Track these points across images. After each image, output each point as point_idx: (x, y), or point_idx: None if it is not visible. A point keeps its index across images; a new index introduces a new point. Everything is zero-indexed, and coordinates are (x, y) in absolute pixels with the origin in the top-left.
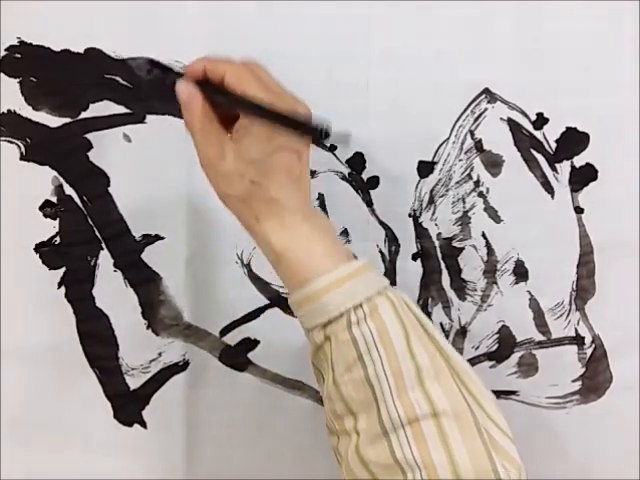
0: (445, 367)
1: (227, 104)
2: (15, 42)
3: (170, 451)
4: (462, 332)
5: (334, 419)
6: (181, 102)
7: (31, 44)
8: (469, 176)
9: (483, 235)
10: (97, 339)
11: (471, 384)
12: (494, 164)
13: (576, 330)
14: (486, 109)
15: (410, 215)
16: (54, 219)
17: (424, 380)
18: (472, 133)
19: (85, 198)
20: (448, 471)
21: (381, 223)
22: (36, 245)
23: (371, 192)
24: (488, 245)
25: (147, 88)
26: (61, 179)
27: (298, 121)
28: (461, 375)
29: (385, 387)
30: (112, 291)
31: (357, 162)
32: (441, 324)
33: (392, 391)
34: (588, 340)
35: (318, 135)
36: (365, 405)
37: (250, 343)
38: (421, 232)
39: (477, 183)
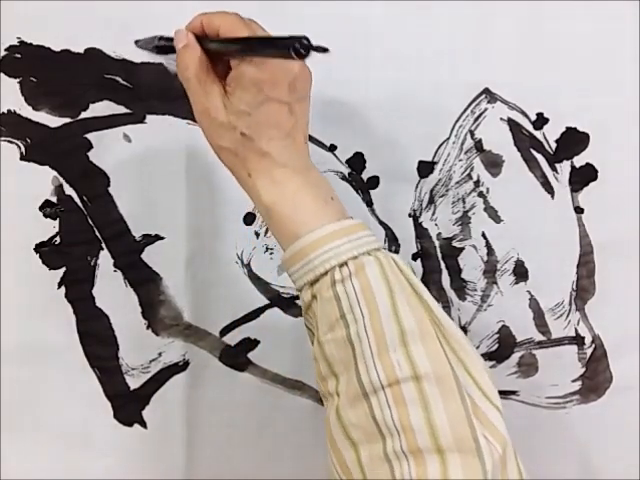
0: (432, 330)
1: (221, 49)
2: (15, 42)
3: (170, 451)
4: (462, 332)
5: (320, 381)
6: (178, 50)
7: (31, 44)
8: (469, 176)
9: (483, 235)
10: (97, 339)
11: (461, 351)
12: (494, 164)
13: (576, 330)
14: (486, 109)
15: (410, 215)
16: (54, 219)
17: (408, 342)
18: (472, 133)
19: (85, 198)
20: (426, 436)
21: (381, 223)
22: (36, 245)
23: (371, 192)
24: (488, 245)
25: (147, 88)
26: (61, 179)
27: (277, 38)
28: (450, 340)
29: (366, 347)
30: (112, 291)
31: (357, 162)
32: None
33: (373, 351)
34: (588, 340)
35: (298, 46)
36: (346, 365)
37: (250, 343)
38: (421, 232)
39: (477, 183)
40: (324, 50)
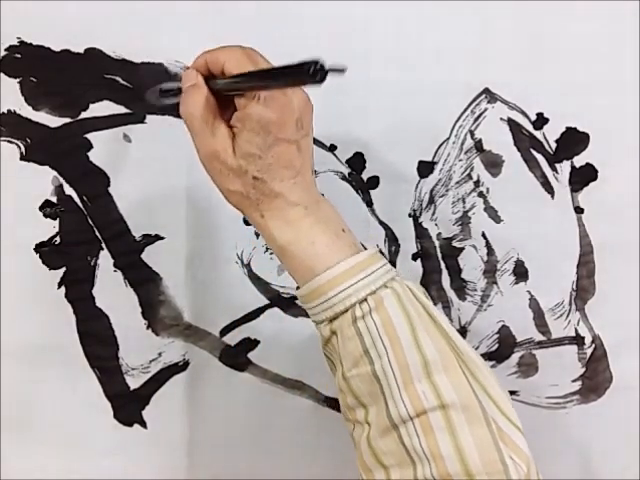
0: (453, 357)
1: (229, 87)
2: (15, 42)
3: (170, 451)
4: (462, 332)
5: (347, 410)
6: (185, 89)
7: (31, 44)
8: (469, 176)
9: (483, 235)
10: (97, 339)
11: (480, 375)
12: (494, 164)
13: (576, 330)
14: (486, 109)
15: (410, 215)
16: (54, 219)
17: (431, 372)
18: (472, 133)
19: (85, 198)
20: (456, 463)
21: (381, 223)
22: (36, 245)
23: (371, 192)
24: (488, 245)
25: (147, 88)
26: (61, 179)
27: (289, 66)
28: (470, 366)
29: (392, 380)
30: (112, 291)
31: (357, 162)
32: None
33: (399, 384)
34: (588, 340)
35: (312, 73)
36: (374, 398)
37: (250, 343)
38: (421, 232)
39: (477, 183)
40: (341, 71)
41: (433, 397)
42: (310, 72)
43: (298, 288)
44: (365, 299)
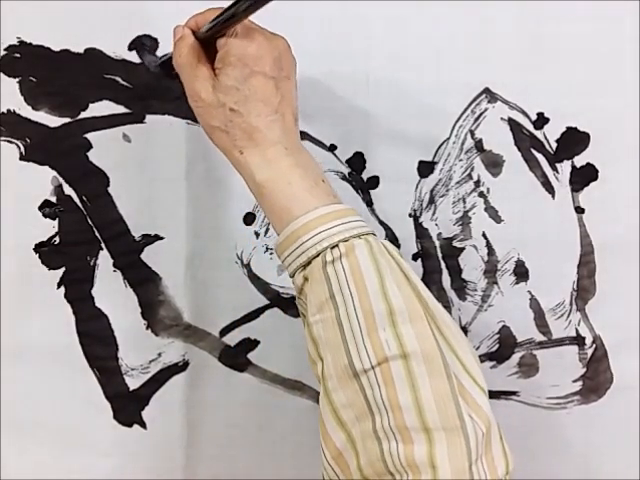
0: (420, 309)
1: (211, 30)
2: (15, 42)
3: (170, 451)
4: (463, 332)
5: (310, 365)
6: (174, 42)
7: (31, 44)
8: (469, 176)
9: (483, 235)
10: (97, 339)
11: (448, 332)
12: (494, 164)
13: (577, 330)
14: (486, 109)
15: (410, 215)
16: (53, 219)
17: (396, 321)
18: (472, 133)
19: (85, 198)
20: (413, 414)
21: (381, 223)
22: (36, 245)
23: (371, 192)
24: (488, 245)
25: (147, 88)
26: (61, 179)
27: None
28: (438, 322)
29: (355, 327)
30: (112, 291)
31: (357, 162)
32: None
33: (362, 331)
34: (589, 340)
35: None
36: (333, 347)
37: (250, 343)
38: (421, 232)
39: (477, 183)
40: None
41: (395, 346)
42: None
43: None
44: (337, 244)
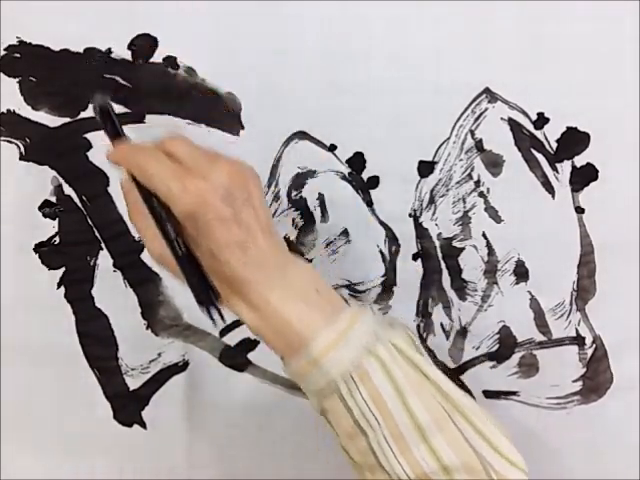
0: (446, 415)
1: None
2: (15, 42)
3: (170, 451)
4: (462, 332)
5: (354, 469)
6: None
7: (31, 44)
8: (469, 176)
9: (483, 235)
10: (97, 339)
11: (474, 418)
12: (495, 164)
13: (577, 330)
14: (487, 109)
15: (410, 215)
16: (53, 219)
17: (427, 436)
18: (472, 133)
19: (85, 198)
20: None
21: (381, 223)
22: (35, 245)
23: (371, 192)
24: (488, 245)
25: (147, 88)
26: (60, 179)
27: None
28: (464, 412)
29: (388, 452)
30: (111, 291)
31: (357, 162)
32: (441, 324)
33: (395, 453)
34: (589, 340)
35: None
36: (375, 468)
37: (250, 343)
38: (421, 232)
39: (477, 183)
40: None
41: (433, 461)
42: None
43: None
44: (350, 375)
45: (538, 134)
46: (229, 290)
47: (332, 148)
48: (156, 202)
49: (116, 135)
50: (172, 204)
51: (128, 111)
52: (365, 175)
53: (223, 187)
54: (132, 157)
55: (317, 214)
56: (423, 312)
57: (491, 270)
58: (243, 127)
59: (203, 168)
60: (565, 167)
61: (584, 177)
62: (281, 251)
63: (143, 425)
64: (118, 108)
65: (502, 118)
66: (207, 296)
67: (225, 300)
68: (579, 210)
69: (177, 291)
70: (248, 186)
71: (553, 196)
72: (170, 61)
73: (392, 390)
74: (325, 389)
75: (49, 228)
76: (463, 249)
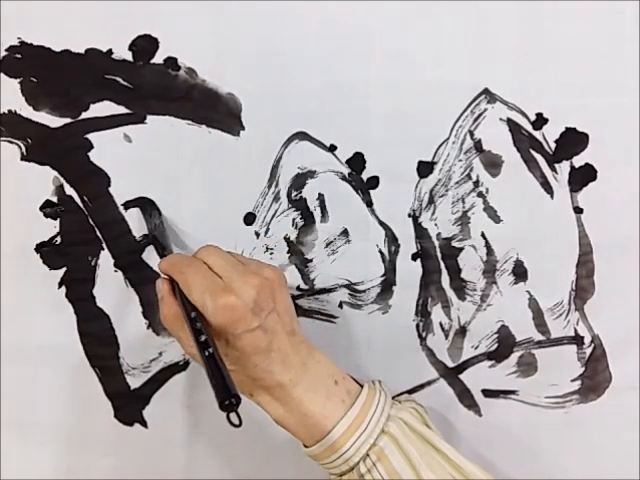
0: None
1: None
2: (16, 42)
3: (170, 450)
4: (462, 332)
5: None
6: (159, 299)
7: (31, 44)
8: (468, 176)
9: (482, 235)
10: (97, 339)
11: None
12: (493, 164)
13: (575, 330)
14: (486, 109)
15: (410, 215)
16: (54, 219)
17: None
18: (472, 133)
19: (86, 198)
20: None
21: (381, 223)
22: (37, 245)
23: (371, 192)
24: (487, 245)
25: (147, 88)
26: (62, 179)
27: (218, 384)
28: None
29: None
30: (112, 291)
31: (357, 162)
32: (440, 324)
33: None
34: (587, 340)
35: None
36: None
37: None
38: (421, 232)
39: (476, 183)
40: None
41: None
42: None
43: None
44: (367, 454)
45: (537, 134)
46: (253, 386)
47: (332, 148)
48: (191, 309)
49: (164, 252)
50: (207, 316)
51: (128, 111)
52: (365, 175)
53: (253, 301)
54: (178, 267)
55: (317, 214)
56: (422, 312)
57: (490, 270)
58: (243, 127)
59: (235, 284)
60: (564, 167)
61: (583, 177)
62: (303, 347)
63: (144, 424)
64: (119, 108)
65: (501, 119)
66: (228, 399)
67: (249, 394)
68: (578, 210)
69: None
70: (274, 295)
71: (552, 196)
72: (171, 62)
73: (407, 467)
74: (345, 471)
75: (50, 228)
76: (462, 249)
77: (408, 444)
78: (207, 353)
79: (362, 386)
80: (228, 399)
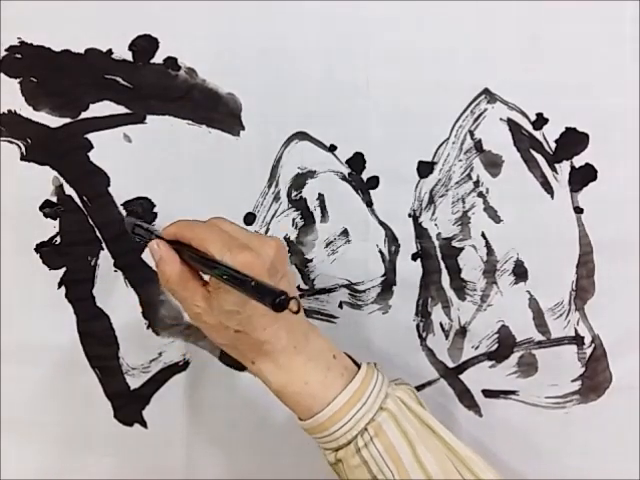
0: (452, 467)
1: (197, 267)
2: (15, 42)
3: (170, 451)
4: (462, 332)
5: None
6: (156, 262)
7: (31, 44)
8: (469, 176)
9: (483, 235)
10: (97, 339)
11: (479, 471)
12: (494, 164)
13: (576, 330)
14: (486, 109)
15: (410, 215)
16: (54, 219)
17: None
18: (472, 133)
19: (85, 198)
20: None
21: (381, 223)
22: (36, 245)
23: (371, 192)
24: (488, 245)
25: (147, 88)
26: (61, 179)
27: (258, 286)
28: (467, 463)
29: None
30: (112, 291)
31: (357, 162)
32: (441, 324)
33: None
34: (588, 340)
35: (276, 303)
36: None
37: None
38: (421, 232)
39: (477, 183)
40: (294, 312)
41: None
42: (274, 302)
43: (300, 419)
44: (365, 428)
45: (537, 134)
46: (258, 352)
47: (332, 148)
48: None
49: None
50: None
51: (128, 111)
52: (365, 175)
53: (270, 262)
54: (191, 228)
55: (317, 214)
56: (422, 312)
57: (490, 270)
58: (243, 127)
59: (253, 243)
60: (564, 167)
61: (583, 177)
62: (304, 321)
63: (144, 424)
64: (119, 108)
65: (501, 118)
66: (277, 297)
67: (250, 361)
68: (578, 210)
69: None
70: (285, 261)
71: (552, 196)
72: (171, 62)
73: (405, 443)
74: (343, 444)
75: (50, 228)
76: (462, 249)
77: (405, 422)
78: (241, 277)
79: (358, 365)
80: (277, 297)
